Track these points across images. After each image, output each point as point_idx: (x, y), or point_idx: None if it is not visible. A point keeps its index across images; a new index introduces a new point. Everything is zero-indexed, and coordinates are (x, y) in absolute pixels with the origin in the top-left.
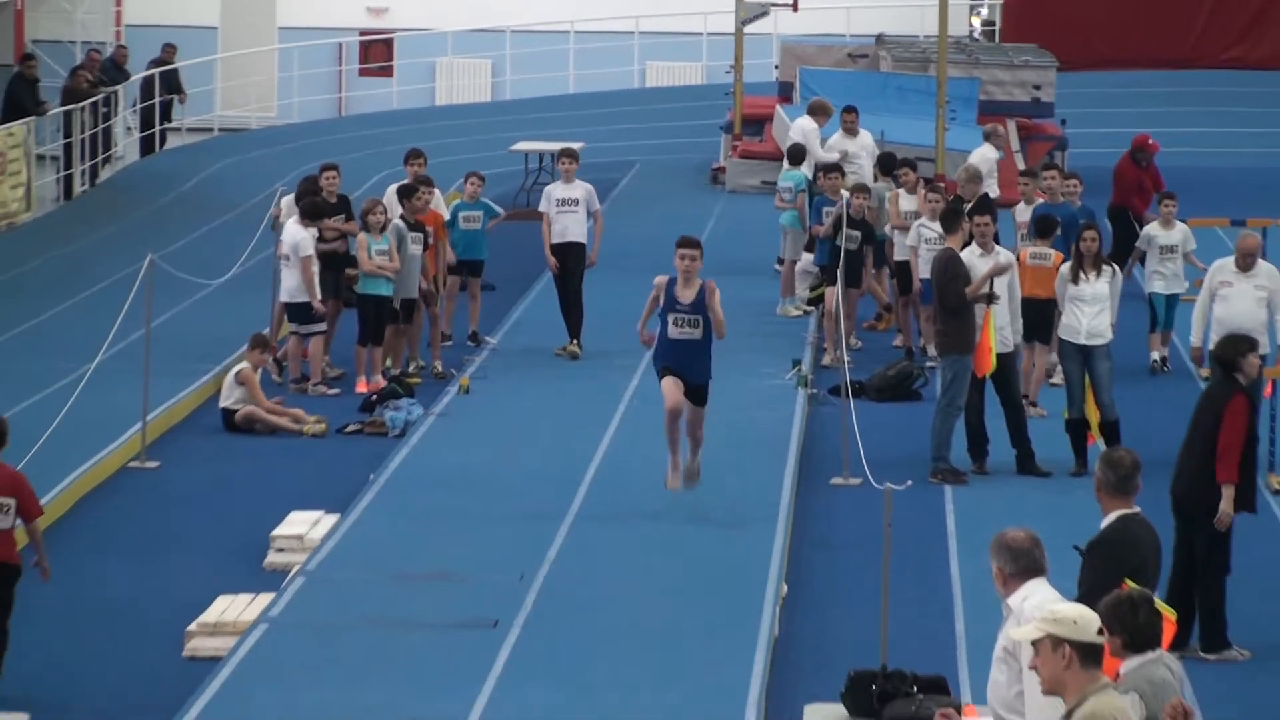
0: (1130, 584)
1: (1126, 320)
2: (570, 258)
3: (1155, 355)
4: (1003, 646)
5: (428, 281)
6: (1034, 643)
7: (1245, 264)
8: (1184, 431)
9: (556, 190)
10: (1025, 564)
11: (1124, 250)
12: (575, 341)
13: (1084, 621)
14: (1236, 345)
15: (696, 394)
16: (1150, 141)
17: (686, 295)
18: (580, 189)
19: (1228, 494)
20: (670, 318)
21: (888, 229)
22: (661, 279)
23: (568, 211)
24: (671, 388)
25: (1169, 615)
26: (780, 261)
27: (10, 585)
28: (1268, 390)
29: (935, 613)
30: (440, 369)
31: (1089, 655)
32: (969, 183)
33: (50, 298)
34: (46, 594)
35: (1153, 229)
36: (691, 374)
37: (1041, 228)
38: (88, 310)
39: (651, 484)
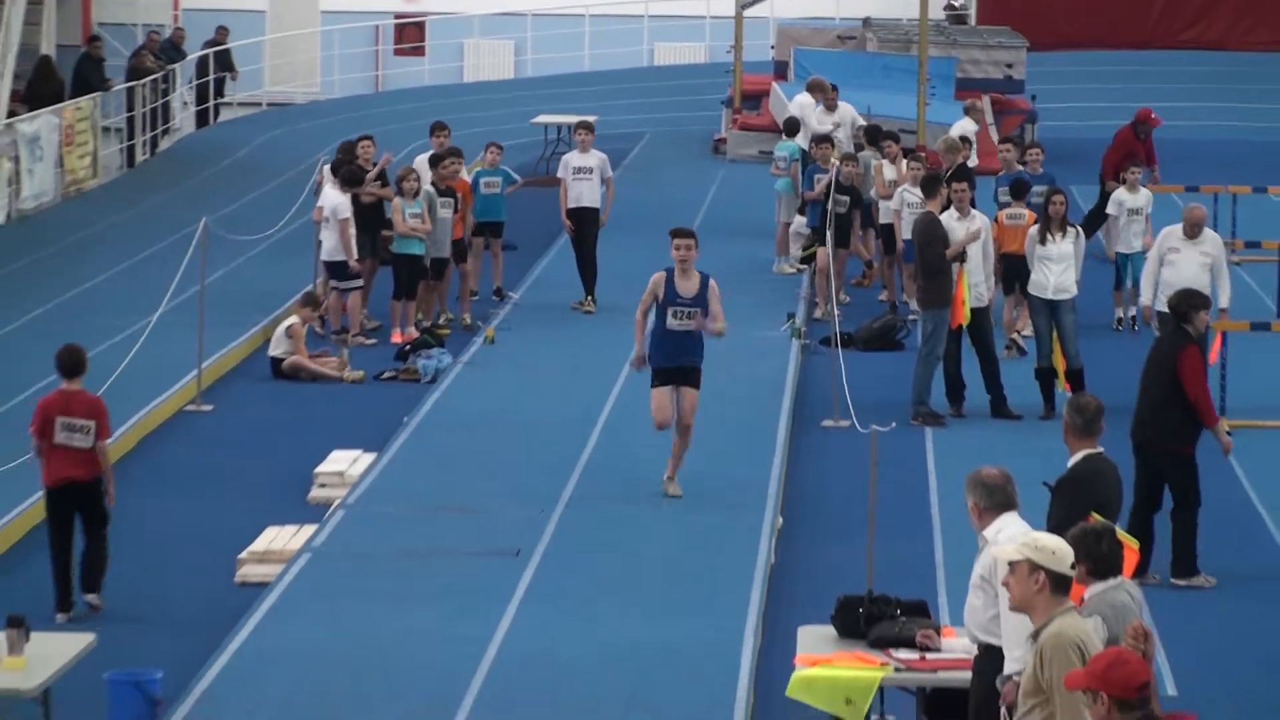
0: (1096, 517)
1: (1089, 278)
2: (585, 221)
3: (1120, 313)
4: (979, 575)
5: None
6: (1011, 562)
7: (1192, 232)
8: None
9: (573, 159)
10: (999, 499)
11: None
12: (590, 297)
13: (1061, 554)
14: (1190, 299)
15: (690, 375)
16: (1152, 115)
17: (688, 288)
18: (595, 158)
19: (1219, 431)
20: (670, 311)
21: (873, 194)
22: (658, 275)
23: (583, 178)
24: (663, 403)
25: (1131, 545)
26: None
27: (97, 500)
28: (1215, 347)
29: (917, 543)
30: (468, 321)
31: (1059, 584)
32: (947, 153)
33: (114, 257)
34: (112, 525)
35: (1121, 194)
36: (686, 358)
37: (1015, 191)
38: (148, 268)
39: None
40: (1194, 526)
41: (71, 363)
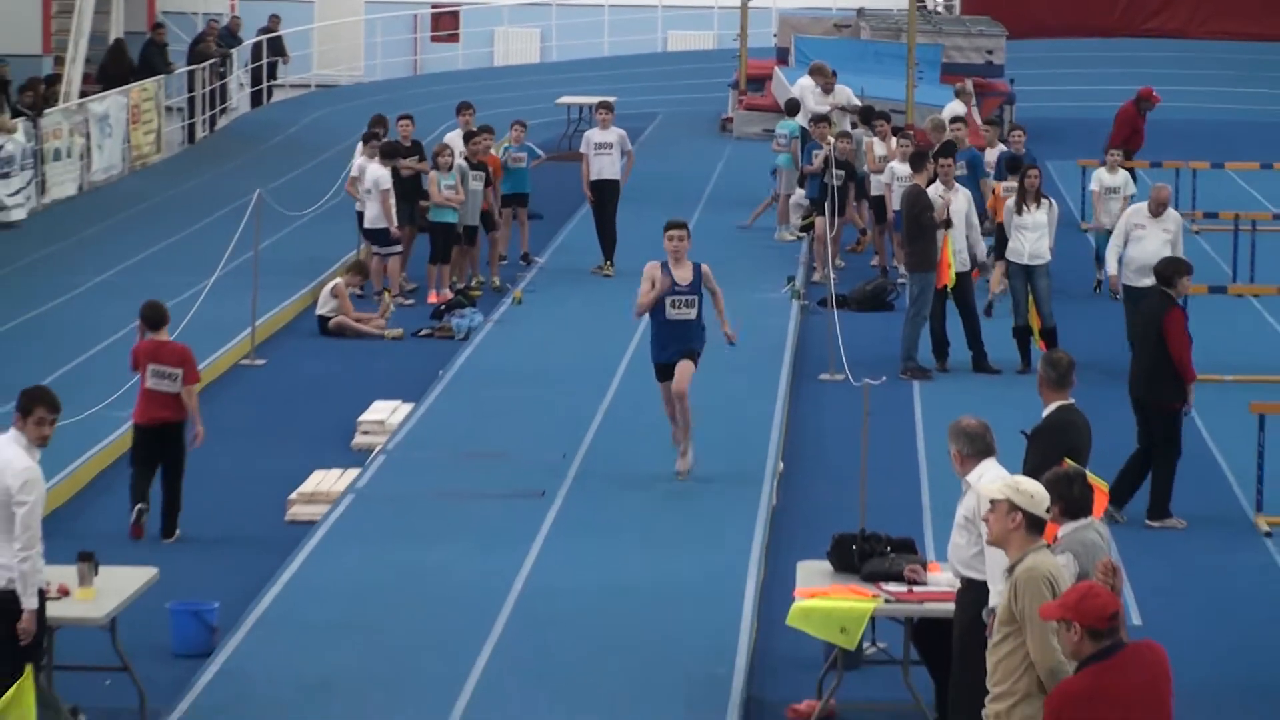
0: (1069, 462)
1: (1064, 246)
2: (605, 192)
3: (1100, 276)
4: (963, 515)
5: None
6: (992, 500)
7: (1157, 210)
8: (1110, 337)
9: (594, 135)
10: (979, 447)
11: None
12: (609, 262)
13: (1039, 498)
14: (1175, 265)
15: (691, 356)
16: (1154, 94)
17: (683, 276)
18: (614, 134)
19: (1191, 390)
20: (668, 300)
21: (866, 169)
22: (653, 265)
23: (604, 153)
24: (668, 394)
25: (1101, 487)
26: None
27: (179, 442)
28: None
29: (905, 486)
30: (497, 283)
31: (1034, 525)
32: (934, 131)
33: (176, 224)
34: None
35: (1101, 173)
36: (688, 344)
37: (1010, 166)
38: (207, 235)
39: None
40: (1171, 475)
41: (155, 316)
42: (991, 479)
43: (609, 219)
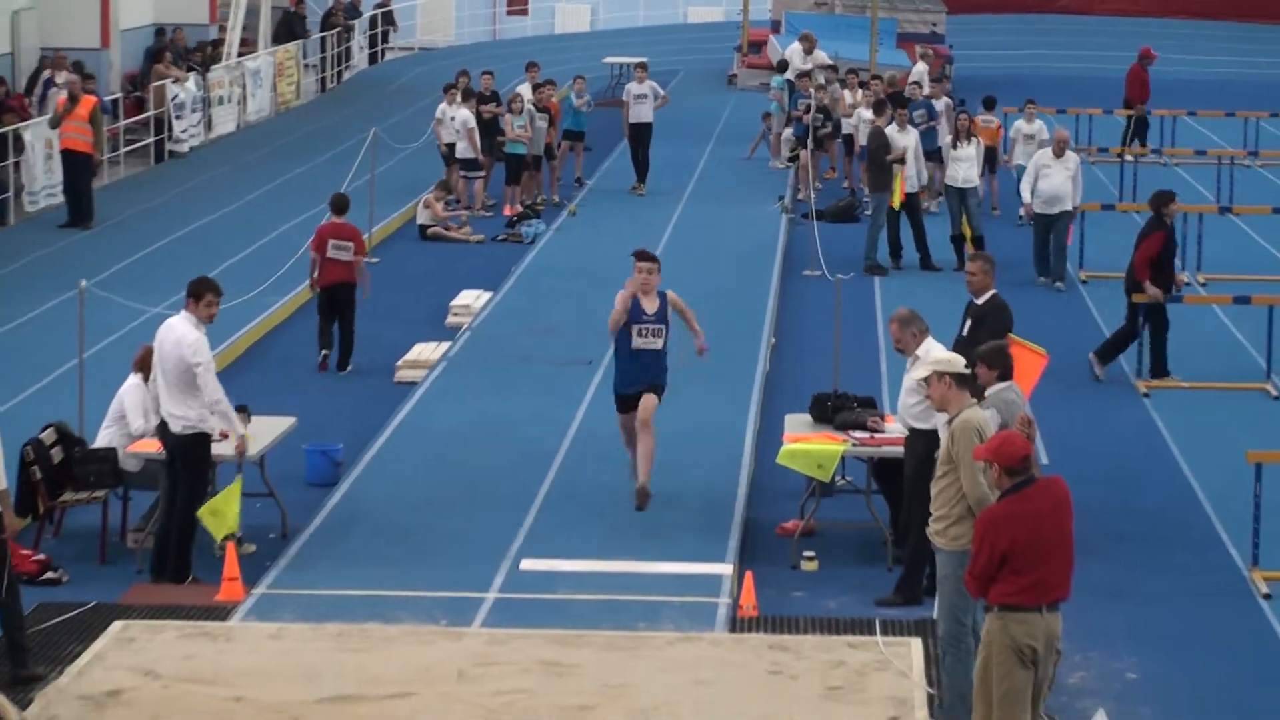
0: (1012, 337)
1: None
2: (641, 132)
3: (1023, 213)
4: (912, 380)
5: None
6: (925, 379)
7: (1059, 150)
8: (1027, 252)
9: (633, 88)
10: (922, 326)
11: (1141, 127)
12: (641, 184)
13: (955, 360)
14: (1164, 196)
15: (656, 390)
16: (1151, 52)
17: (650, 305)
18: (648, 86)
19: (1150, 288)
20: (635, 329)
21: (839, 113)
22: (625, 292)
23: (641, 102)
24: (631, 426)
25: (1041, 354)
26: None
27: (352, 296)
28: (1070, 230)
29: (868, 356)
30: (556, 200)
31: (962, 381)
32: (888, 85)
33: (312, 154)
34: (308, 342)
35: (1020, 123)
36: (654, 377)
37: (987, 104)
38: (334, 163)
39: (687, 274)
40: (1164, 342)
41: (339, 203)
42: (928, 349)
43: (644, 153)
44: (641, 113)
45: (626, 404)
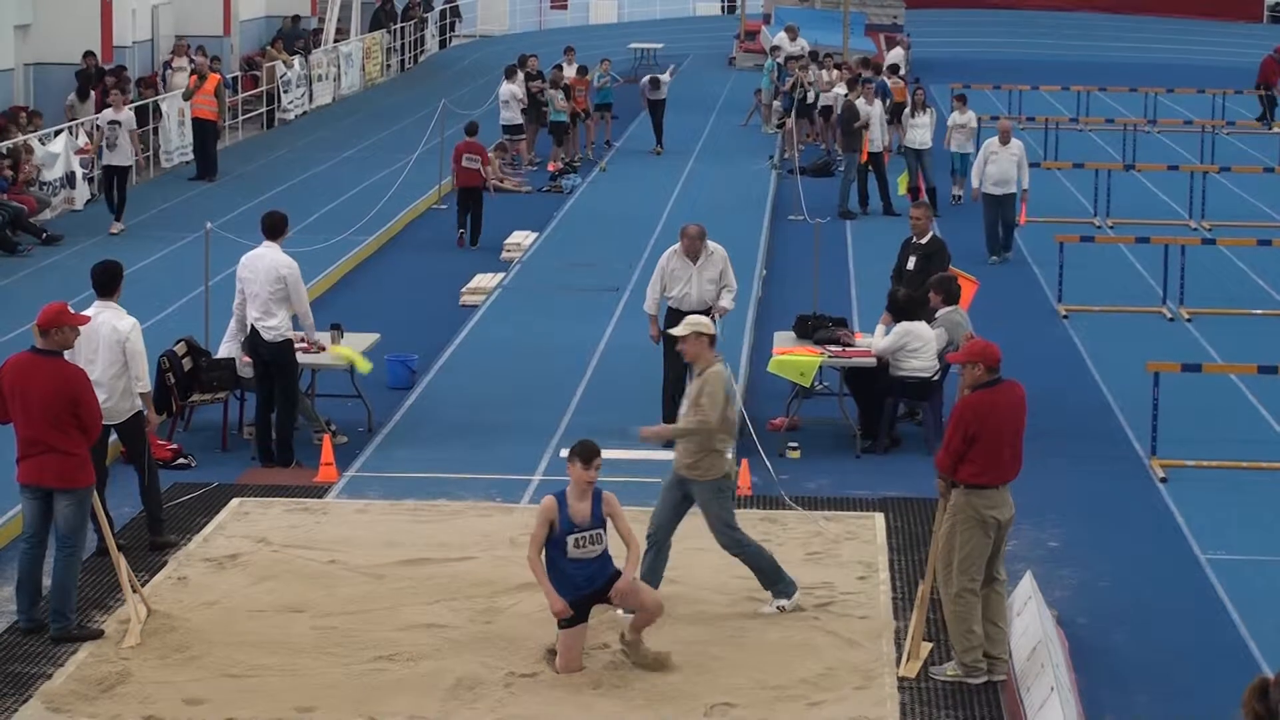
0: (955, 269)
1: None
2: (658, 105)
3: (956, 191)
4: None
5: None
6: (683, 336)
7: (1004, 139)
8: (974, 215)
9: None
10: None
11: (1272, 105)
12: (660, 145)
13: (708, 324)
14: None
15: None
16: None
17: (582, 511)
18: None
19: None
20: (570, 540)
21: (818, 89)
22: (549, 500)
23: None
24: (570, 645)
25: (974, 281)
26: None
27: (481, 195)
28: (1023, 209)
29: (840, 284)
30: (591, 158)
31: (713, 341)
32: (859, 65)
33: (394, 121)
34: (390, 273)
35: (954, 115)
36: (601, 580)
37: (893, 67)
38: (413, 128)
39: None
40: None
41: (471, 127)
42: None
43: (660, 120)
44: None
45: (577, 611)
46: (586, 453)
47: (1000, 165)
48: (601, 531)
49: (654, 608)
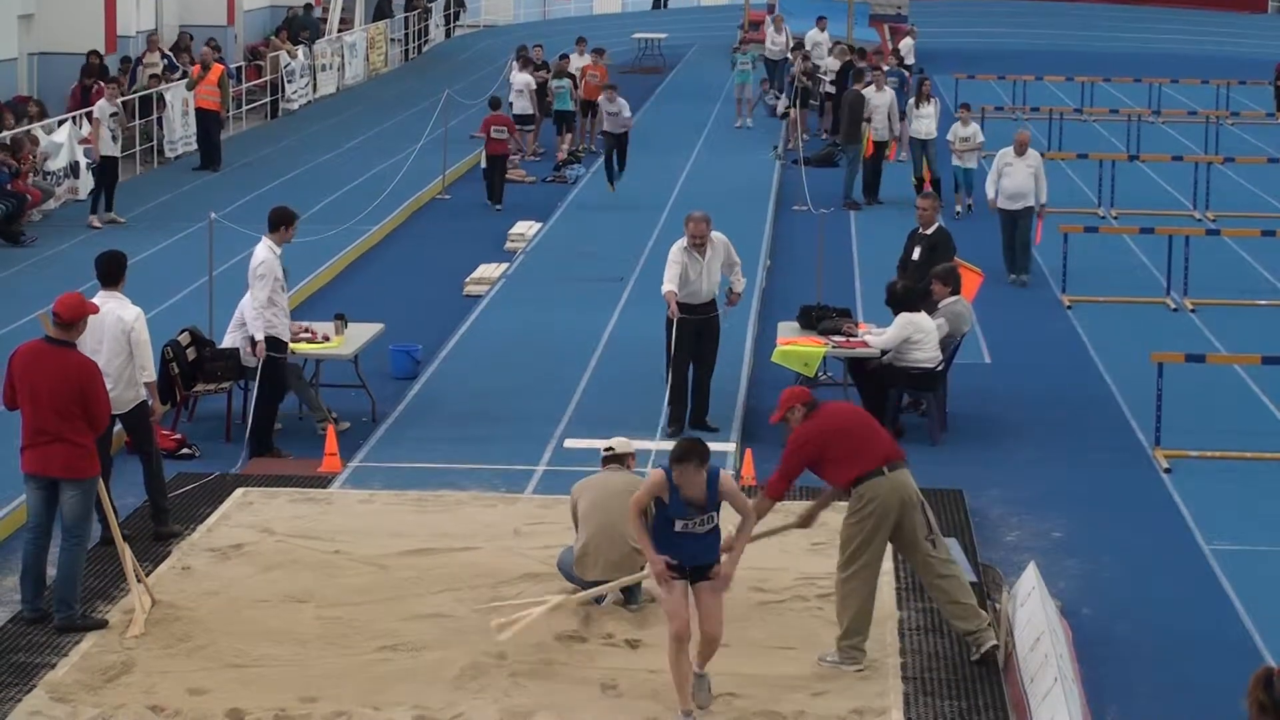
0: (958, 260)
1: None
2: (610, 140)
3: (958, 206)
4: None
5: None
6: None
7: (1020, 150)
8: (986, 230)
9: (604, 104)
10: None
11: None
12: (612, 185)
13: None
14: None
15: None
16: None
17: (696, 495)
18: (619, 104)
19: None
20: (679, 523)
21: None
22: (659, 474)
23: (612, 117)
24: (679, 604)
25: (979, 274)
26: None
27: (505, 161)
28: (1039, 228)
29: (845, 274)
30: (594, 149)
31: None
32: (852, 52)
33: (397, 110)
34: (394, 263)
35: (956, 127)
36: (706, 559)
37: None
38: (416, 118)
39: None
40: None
41: (496, 101)
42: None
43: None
44: (613, 124)
45: (680, 571)
46: (686, 454)
47: (1015, 178)
48: (714, 514)
49: (717, 633)
